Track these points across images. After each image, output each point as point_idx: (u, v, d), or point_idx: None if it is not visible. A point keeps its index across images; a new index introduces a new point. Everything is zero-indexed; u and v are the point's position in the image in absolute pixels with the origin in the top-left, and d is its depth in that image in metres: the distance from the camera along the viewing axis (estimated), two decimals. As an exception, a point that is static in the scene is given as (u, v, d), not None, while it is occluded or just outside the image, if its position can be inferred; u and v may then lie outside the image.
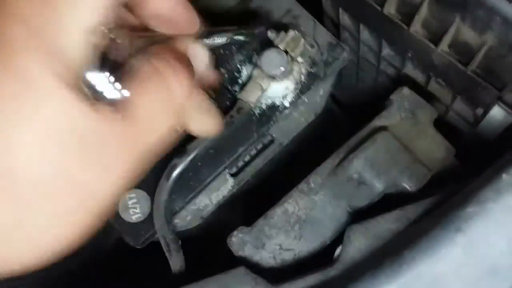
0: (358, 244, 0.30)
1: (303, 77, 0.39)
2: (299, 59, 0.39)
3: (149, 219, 0.37)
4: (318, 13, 0.50)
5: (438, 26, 0.37)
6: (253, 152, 0.41)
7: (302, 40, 0.38)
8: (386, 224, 0.30)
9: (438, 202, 0.29)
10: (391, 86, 0.50)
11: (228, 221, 0.40)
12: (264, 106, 0.39)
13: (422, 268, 0.24)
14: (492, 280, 0.23)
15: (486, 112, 0.36)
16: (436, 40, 0.37)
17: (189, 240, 0.42)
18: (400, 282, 0.24)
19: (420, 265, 0.24)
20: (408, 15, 0.38)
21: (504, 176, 0.24)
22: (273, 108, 0.39)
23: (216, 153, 0.38)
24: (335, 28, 0.53)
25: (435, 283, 0.24)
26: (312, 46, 0.40)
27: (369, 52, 0.51)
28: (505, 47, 0.32)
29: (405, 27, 0.39)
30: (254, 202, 0.41)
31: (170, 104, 0.22)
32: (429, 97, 0.44)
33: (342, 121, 0.62)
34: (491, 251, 0.23)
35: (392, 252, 0.25)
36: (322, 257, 0.34)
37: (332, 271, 0.29)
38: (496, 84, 0.35)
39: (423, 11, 0.37)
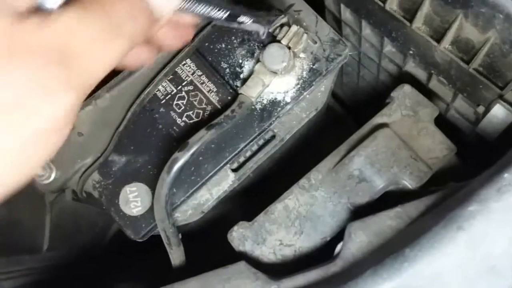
0: (358, 240, 0.30)
1: (305, 73, 0.39)
2: (302, 55, 0.39)
3: (150, 213, 0.37)
4: (319, 9, 0.50)
5: (441, 23, 0.37)
6: (255, 147, 0.41)
7: (305, 35, 0.38)
8: (387, 221, 0.30)
9: (439, 200, 0.29)
10: (392, 84, 0.50)
11: (229, 216, 0.40)
12: (265, 101, 0.39)
13: (423, 265, 0.24)
14: (493, 279, 0.23)
15: (487, 110, 0.36)
16: (438, 37, 0.37)
17: (189, 235, 0.42)
18: (401, 279, 0.24)
19: (421, 263, 0.24)
20: (411, 12, 0.38)
21: (506, 175, 0.24)
22: (274, 104, 0.39)
23: (218, 148, 0.38)
24: (337, 24, 0.53)
25: (436, 281, 0.24)
26: (314, 42, 0.40)
27: (370, 48, 0.51)
28: (507, 45, 0.32)
29: (407, 23, 0.39)
30: (255, 198, 0.41)
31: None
32: (430, 95, 0.44)
33: (343, 118, 0.62)
34: (492, 250, 0.24)
35: (394, 249, 0.25)
36: (323, 253, 0.34)
37: (332, 268, 0.29)
38: (498, 83, 0.35)
39: (426, 8, 0.37)
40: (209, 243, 0.45)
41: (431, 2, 0.36)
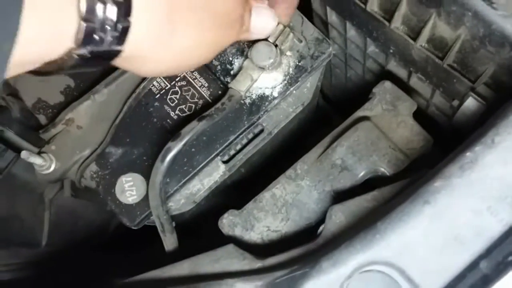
0: (338, 221, 0.32)
1: (291, 70, 0.42)
2: (288, 53, 0.42)
3: (144, 201, 0.39)
4: (307, 12, 0.53)
5: (417, 22, 0.39)
6: (244, 141, 0.43)
7: (291, 34, 0.40)
8: (364, 203, 0.32)
9: (411, 182, 0.31)
10: (376, 83, 0.53)
11: (221, 210, 0.42)
12: (254, 96, 0.41)
13: (393, 236, 0.26)
14: (457, 248, 0.25)
15: (461, 103, 0.38)
16: (415, 35, 0.40)
17: (182, 228, 0.44)
18: (373, 250, 0.26)
19: (391, 234, 0.26)
20: (389, 12, 0.41)
21: (468, 153, 0.26)
22: (262, 98, 0.41)
23: (209, 140, 0.40)
24: (324, 27, 0.56)
25: (405, 250, 0.26)
26: (300, 41, 0.42)
27: (356, 49, 0.54)
28: (477, 41, 0.35)
29: (386, 23, 0.41)
30: (247, 193, 0.43)
31: None
32: (411, 92, 0.47)
33: (332, 117, 0.64)
34: (456, 221, 0.26)
35: (367, 225, 0.28)
36: (308, 236, 0.36)
37: (313, 246, 0.31)
38: (470, 77, 0.38)
39: (403, 8, 0.39)
40: (201, 235, 0.47)
41: (407, 2, 0.39)
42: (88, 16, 0.22)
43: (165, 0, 0.25)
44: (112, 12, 0.23)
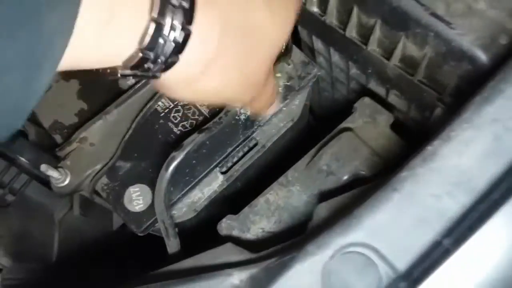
0: (323, 216, 0.36)
1: (281, 89, 0.47)
2: (278, 74, 0.47)
3: (150, 209, 0.43)
4: (296, 40, 0.59)
5: (389, 44, 0.45)
6: (240, 153, 0.48)
7: (280, 59, 0.46)
8: (346, 200, 0.37)
9: (384, 179, 0.35)
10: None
11: (219, 217, 0.46)
12: (248, 113, 0.46)
13: (367, 221, 0.30)
14: (421, 229, 0.29)
15: (431, 113, 0.43)
16: (388, 56, 0.45)
17: (183, 233, 0.47)
18: (351, 233, 0.30)
19: (366, 219, 0.30)
20: (366, 37, 0.47)
21: (428, 147, 0.31)
22: (256, 114, 0.46)
23: (209, 152, 0.45)
24: (311, 53, 0.61)
25: (378, 232, 0.30)
26: (288, 64, 0.48)
27: (340, 73, 0.59)
28: (440, 58, 0.40)
29: (364, 47, 0.47)
30: (242, 202, 0.47)
31: None
32: (390, 108, 0.52)
33: (322, 134, 0.69)
34: (420, 205, 0.30)
35: (346, 213, 0.32)
36: (298, 233, 0.40)
37: (300, 238, 0.35)
38: (438, 89, 0.43)
39: (377, 33, 0.45)
40: (201, 242, 0.50)
41: (380, 27, 0.44)
42: (157, 24, 0.23)
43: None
44: (176, 31, 0.24)
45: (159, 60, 0.25)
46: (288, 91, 0.46)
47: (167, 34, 0.24)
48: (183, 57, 0.25)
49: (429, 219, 0.29)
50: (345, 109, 0.65)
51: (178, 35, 0.24)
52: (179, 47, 0.25)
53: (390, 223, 0.30)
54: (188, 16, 0.24)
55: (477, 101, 0.31)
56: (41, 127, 0.50)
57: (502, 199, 0.29)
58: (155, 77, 0.26)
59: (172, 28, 0.24)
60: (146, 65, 0.24)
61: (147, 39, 0.23)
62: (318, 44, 0.58)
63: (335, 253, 0.30)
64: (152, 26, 0.24)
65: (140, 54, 0.24)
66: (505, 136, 0.30)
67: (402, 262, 0.29)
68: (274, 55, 0.32)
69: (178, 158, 0.40)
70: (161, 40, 0.24)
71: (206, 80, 0.28)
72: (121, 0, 0.22)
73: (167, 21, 0.24)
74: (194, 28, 0.25)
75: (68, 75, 0.48)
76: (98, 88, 0.48)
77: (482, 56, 0.36)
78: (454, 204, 0.29)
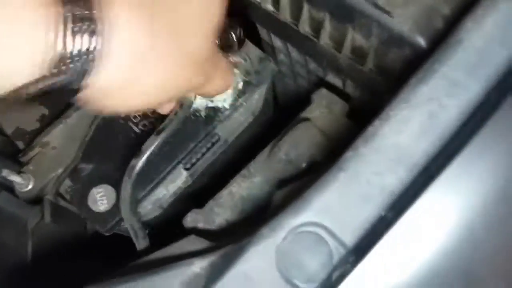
0: (278, 202, 0.37)
1: (239, 85, 0.48)
2: (235, 70, 0.48)
3: (114, 208, 0.44)
4: (258, 40, 0.60)
5: (339, 36, 0.46)
6: (203, 149, 0.49)
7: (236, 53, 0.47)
8: (300, 185, 0.38)
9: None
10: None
11: (186, 212, 0.47)
12: (208, 109, 0.47)
13: (316, 201, 0.32)
14: (365, 205, 0.31)
15: (383, 99, 0.45)
16: (339, 48, 0.47)
17: (150, 230, 0.48)
18: (302, 213, 0.32)
19: (315, 199, 0.32)
20: (317, 31, 0.48)
21: (369, 128, 0.33)
22: (216, 110, 0.47)
23: (171, 150, 0.46)
24: (272, 51, 0.63)
25: (326, 211, 0.31)
26: (245, 60, 0.49)
27: (300, 67, 0.61)
28: (385, 46, 0.42)
29: (316, 41, 0.49)
30: (208, 195, 0.48)
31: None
32: (348, 98, 0.54)
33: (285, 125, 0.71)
34: (364, 183, 0.31)
35: (297, 196, 0.33)
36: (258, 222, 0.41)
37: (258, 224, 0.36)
38: (386, 76, 0.45)
39: (327, 26, 0.47)
40: (168, 237, 0.51)
41: (329, 21, 0.46)
42: (58, 46, 0.22)
43: (145, 38, 0.25)
44: (84, 43, 0.23)
45: (76, 70, 0.23)
46: (247, 86, 0.48)
47: (77, 47, 0.23)
48: (107, 61, 0.25)
49: (373, 195, 0.31)
50: (307, 99, 0.67)
51: (88, 43, 0.23)
52: (97, 53, 0.24)
53: (337, 202, 0.31)
54: (97, 23, 0.23)
55: (413, 82, 0.33)
56: (4, 135, 0.50)
57: (437, 173, 0.31)
58: (78, 90, 0.25)
59: (82, 35, 0.23)
60: (64, 67, 0.23)
61: (52, 33, 0.22)
62: (276, 42, 0.59)
63: (287, 234, 0.31)
64: (58, 40, 0.22)
65: (52, 53, 0.22)
66: (440, 114, 0.32)
67: (351, 238, 0.31)
68: (210, 28, 0.32)
69: (138, 164, 0.40)
70: (70, 36, 0.23)
71: (144, 77, 0.27)
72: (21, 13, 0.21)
73: (76, 34, 0.23)
74: (114, 28, 0.24)
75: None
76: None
77: (421, 41, 0.38)
78: (395, 180, 0.31)
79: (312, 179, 0.37)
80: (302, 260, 0.31)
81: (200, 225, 0.43)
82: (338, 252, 0.31)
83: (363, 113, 0.54)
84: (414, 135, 0.31)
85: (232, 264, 0.32)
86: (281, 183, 0.43)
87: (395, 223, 0.30)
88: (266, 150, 0.47)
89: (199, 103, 0.46)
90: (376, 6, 0.41)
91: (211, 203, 0.45)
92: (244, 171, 0.46)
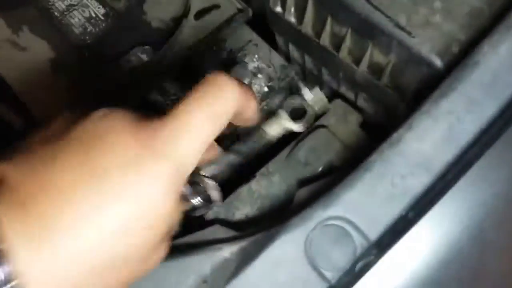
0: (303, 198, 0.40)
1: (264, 89, 0.51)
2: (259, 75, 0.52)
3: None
4: (275, 48, 0.64)
5: (359, 51, 0.50)
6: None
7: (260, 60, 0.50)
8: (322, 185, 0.41)
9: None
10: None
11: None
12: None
13: (343, 198, 0.34)
14: (389, 204, 0.34)
15: (395, 113, 0.49)
16: (357, 62, 0.51)
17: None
18: (330, 208, 0.35)
19: (343, 196, 0.35)
20: (337, 45, 0.52)
21: (394, 134, 0.36)
22: (239, 111, 0.50)
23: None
24: (287, 60, 0.67)
25: (353, 207, 0.34)
26: (269, 66, 0.52)
27: (314, 78, 0.64)
28: (402, 63, 0.46)
29: (336, 54, 0.52)
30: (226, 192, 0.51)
31: None
32: (360, 111, 0.58)
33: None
34: (388, 184, 0.35)
35: (325, 192, 0.36)
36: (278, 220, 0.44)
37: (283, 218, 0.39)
38: (400, 92, 0.49)
39: (348, 41, 0.50)
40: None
41: (351, 36, 0.50)
42: None
43: None
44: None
45: None
46: (269, 91, 0.51)
47: None
48: None
49: (396, 195, 0.34)
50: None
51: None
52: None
53: (363, 199, 0.35)
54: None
55: (434, 96, 0.37)
56: None
57: (455, 179, 0.34)
58: None
59: None
60: None
61: None
62: (293, 51, 0.63)
63: (316, 225, 0.34)
64: None
65: None
66: (458, 126, 0.36)
67: (374, 233, 0.34)
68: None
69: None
70: None
71: None
72: None
73: None
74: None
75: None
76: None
77: (438, 62, 0.42)
78: (417, 183, 0.34)
79: (335, 179, 0.40)
80: (328, 250, 0.34)
81: (221, 217, 0.46)
82: (361, 245, 0.34)
83: (373, 125, 0.58)
84: (435, 143, 0.35)
85: (263, 249, 0.34)
86: (300, 184, 0.46)
87: (416, 223, 0.33)
88: (284, 152, 0.50)
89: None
90: (398, 26, 0.45)
91: (231, 197, 0.47)
92: (263, 169, 0.49)
